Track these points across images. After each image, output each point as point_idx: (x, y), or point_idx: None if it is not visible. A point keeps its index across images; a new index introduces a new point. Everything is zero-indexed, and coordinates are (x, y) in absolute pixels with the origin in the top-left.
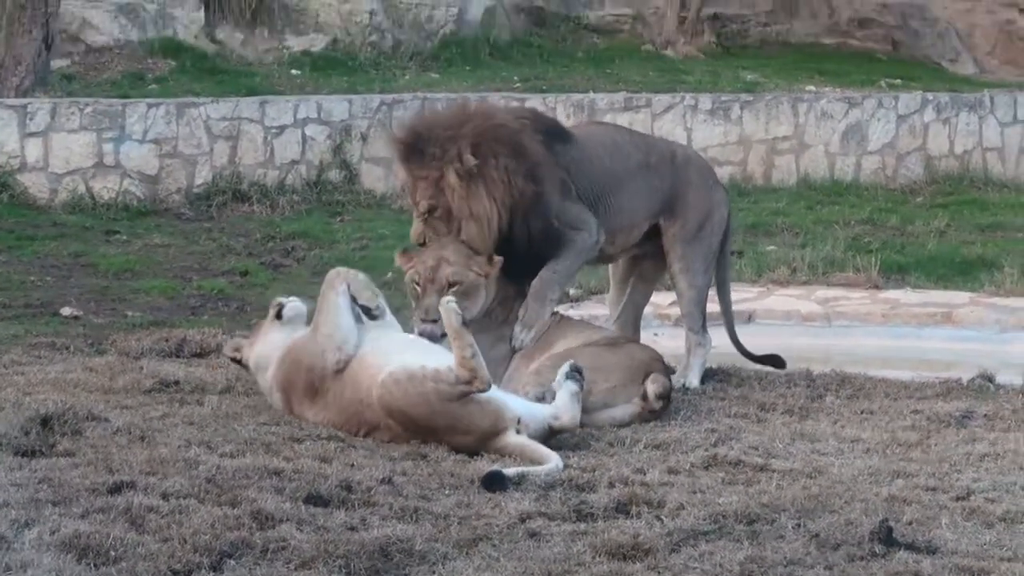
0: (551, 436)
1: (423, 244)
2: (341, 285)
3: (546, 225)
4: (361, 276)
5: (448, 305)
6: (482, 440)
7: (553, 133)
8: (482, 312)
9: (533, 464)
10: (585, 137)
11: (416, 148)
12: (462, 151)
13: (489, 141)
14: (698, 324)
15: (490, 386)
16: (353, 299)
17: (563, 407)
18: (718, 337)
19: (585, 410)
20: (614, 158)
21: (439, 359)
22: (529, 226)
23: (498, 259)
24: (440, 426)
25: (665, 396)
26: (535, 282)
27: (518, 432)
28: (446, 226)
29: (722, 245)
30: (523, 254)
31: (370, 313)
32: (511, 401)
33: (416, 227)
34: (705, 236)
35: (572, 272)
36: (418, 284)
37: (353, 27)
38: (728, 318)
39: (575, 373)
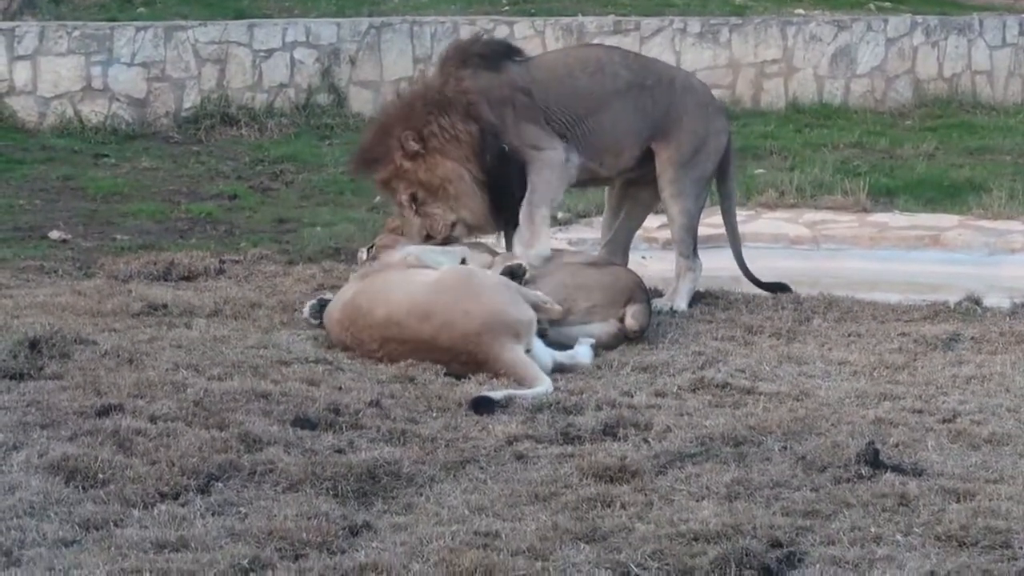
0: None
1: (431, 238)
2: None
3: (510, 152)
4: None
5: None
6: (501, 330)
7: (496, 56)
8: None
9: (523, 385)
10: (556, 57)
11: (364, 160)
12: (401, 139)
13: (415, 117)
14: (689, 249)
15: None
16: None
17: (582, 355)
18: (714, 260)
19: (563, 324)
20: (595, 77)
21: None
22: (497, 161)
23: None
24: (489, 289)
25: (642, 331)
26: (521, 209)
27: (527, 351)
28: (437, 208)
29: (724, 173)
30: (513, 191)
31: None
32: (539, 340)
33: (414, 224)
34: (699, 163)
35: (549, 189)
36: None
37: None
38: (735, 245)
39: (594, 348)
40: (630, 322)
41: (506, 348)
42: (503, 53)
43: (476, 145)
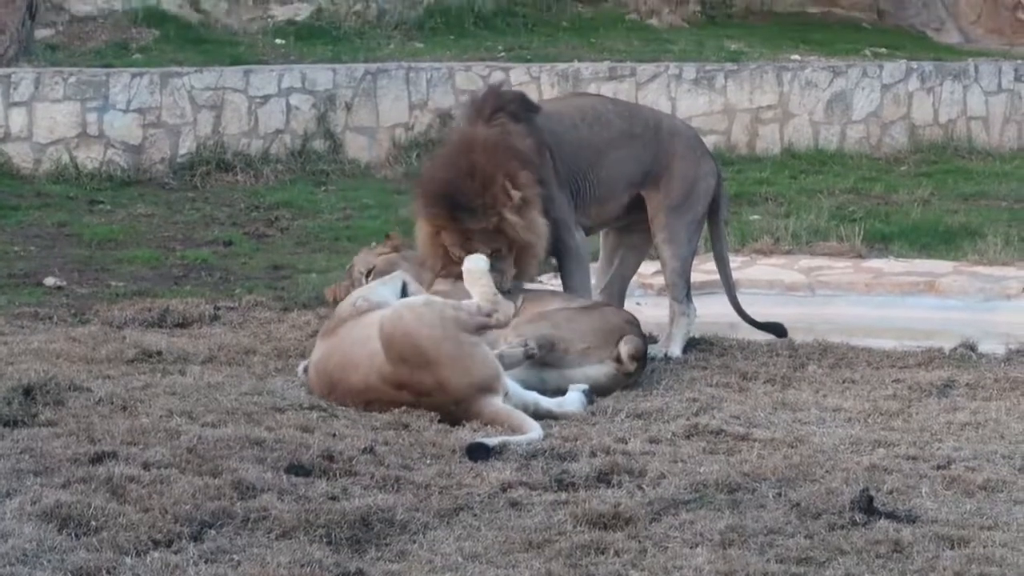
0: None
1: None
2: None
3: (552, 222)
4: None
5: (475, 256)
6: (473, 391)
7: (524, 110)
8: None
9: (513, 432)
10: (562, 107)
11: (461, 206)
12: (507, 189)
13: (520, 170)
14: (682, 294)
15: (508, 323)
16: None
17: (571, 404)
18: (709, 306)
19: (561, 367)
20: (593, 128)
21: None
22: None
23: (393, 234)
24: (443, 356)
25: (639, 357)
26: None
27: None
28: (508, 259)
29: (715, 215)
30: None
31: None
32: (508, 379)
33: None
34: (690, 207)
35: (584, 287)
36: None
37: None
38: (729, 287)
39: (591, 395)
40: (625, 350)
41: (484, 405)
42: (534, 109)
43: (547, 207)
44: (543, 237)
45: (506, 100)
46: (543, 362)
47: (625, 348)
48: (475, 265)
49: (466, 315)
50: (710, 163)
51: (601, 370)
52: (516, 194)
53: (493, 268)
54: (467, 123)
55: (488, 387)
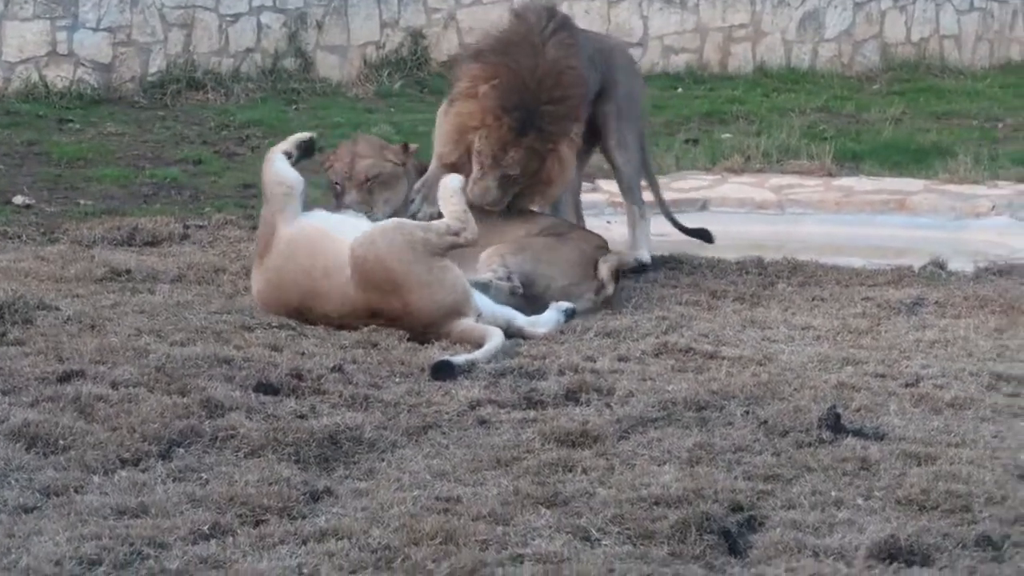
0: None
1: (487, 206)
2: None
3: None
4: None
5: (452, 176)
6: (442, 314)
7: (577, 39)
8: (405, 201)
9: (477, 345)
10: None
11: (532, 122)
12: (572, 125)
13: (583, 104)
14: (638, 196)
15: (476, 241)
16: (288, 156)
17: (545, 323)
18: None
19: (541, 307)
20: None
21: None
22: None
23: (413, 147)
24: (412, 281)
25: (618, 273)
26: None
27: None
28: (514, 187)
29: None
30: None
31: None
32: (479, 296)
33: (490, 190)
34: (635, 114)
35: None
36: (337, 183)
37: None
38: (657, 194)
39: (572, 311)
40: (605, 269)
41: (453, 327)
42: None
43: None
44: (567, 184)
45: (567, 21)
46: (525, 296)
47: (604, 267)
48: (450, 183)
49: (435, 236)
50: (642, 80)
51: (581, 306)
52: (578, 129)
53: (502, 186)
54: (537, 31)
55: (457, 311)
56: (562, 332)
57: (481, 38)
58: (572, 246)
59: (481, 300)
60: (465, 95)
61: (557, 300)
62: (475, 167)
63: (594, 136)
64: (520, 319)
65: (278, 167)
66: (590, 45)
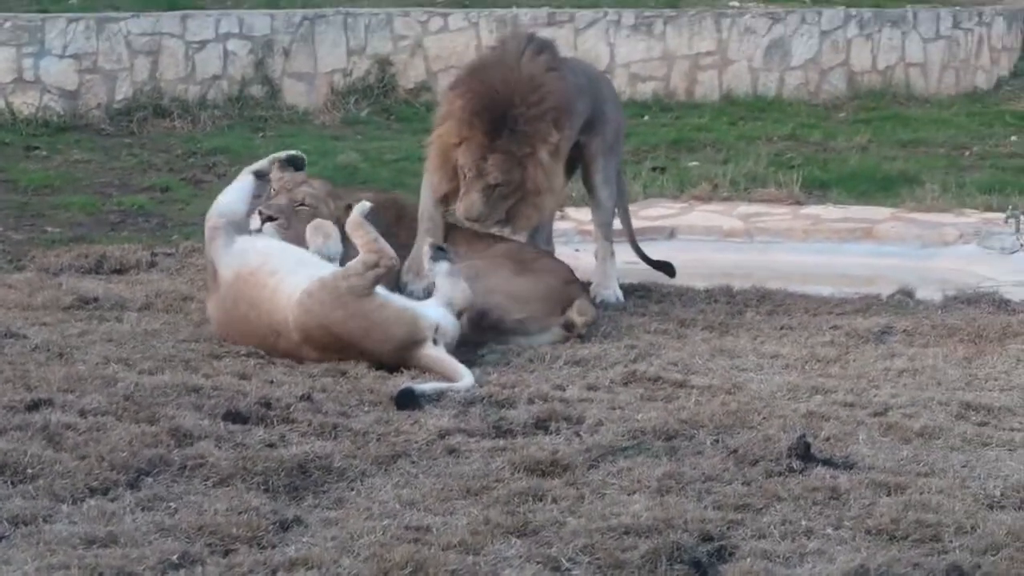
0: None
1: (477, 221)
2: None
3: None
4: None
5: (361, 204)
6: (401, 350)
7: (561, 63)
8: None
9: (449, 380)
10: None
11: (505, 124)
12: (550, 128)
13: (563, 114)
14: (611, 232)
15: (396, 262)
16: (260, 175)
17: (449, 290)
18: (649, 253)
19: (499, 336)
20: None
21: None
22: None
23: (362, 206)
24: (358, 334)
25: (591, 323)
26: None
27: (435, 342)
28: (505, 201)
29: None
30: None
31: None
32: (427, 309)
33: (477, 204)
34: (618, 148)
35: (611, 219)
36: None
37: None
38: (628, 225)
39: (438, 253)
40: (580, 321)
41: (416, 358)
42: None
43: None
44: (555, 193)
45: (552, 49)
46: (478, 326)
47: (580, 319)
48: (354, 214)
49: (357, 278)
50: (621, 108)
51: (544, 337)
52: (556, 136)
53: (487, 197)
54: (513, 52)
55: (412, 341)
56: (531, 360)
57: (461, 68)
58: (534, 278)
59: (432, 311)
60: (442, 118)
61: (514, 332)
62: (461, 183)
63: (573, 165)
64: (441, 301)
65: (226, 193)
66: (581, 73)
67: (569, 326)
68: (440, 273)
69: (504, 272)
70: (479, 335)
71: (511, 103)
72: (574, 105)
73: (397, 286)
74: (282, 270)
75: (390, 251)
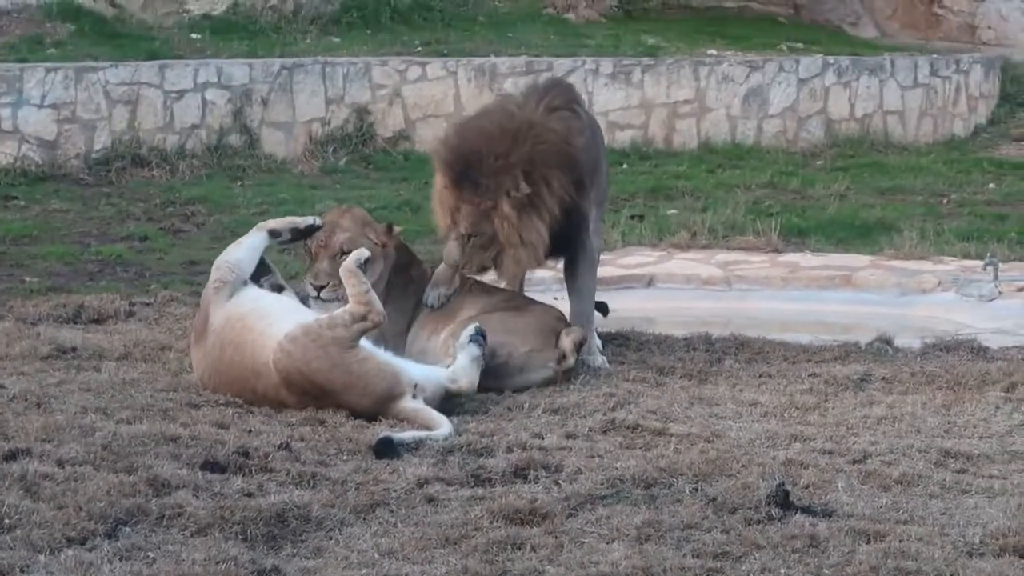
0: (448, 399)
1: (457, 268)
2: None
3: (579, 228)
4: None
5: (357, 251)
6: (380, 403)
7: (581, 111)
8: (378, 280)
9: (427, 429)
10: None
11: (468, 176)
12: (517, 180)
13: (540, 166)
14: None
15: (384, 318)
16: (275, 235)
17: (462, 371)
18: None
19: (503, 376)
20: (592, 127)
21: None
22: (566, 233)
23: (398, 228)
24: (338, 385)
25: (579, 346)
26: (576, 313)
27: (414, 397)
28: (484, 251)
29: None
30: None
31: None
32: (408, 366)
33: (453, 252)
34: (605, 199)
35: (595, 286)
36: (312, 251)
37: None
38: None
39: (479, 337)
40: (568, 342)
41: (396, 412)
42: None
43: (565, 199)
44: (532, 246)
45: (570, 95)
46: (487, 367)
47: (568, 340)
48: (350, 262)
49: (343, 329)
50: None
51: (542, 375)
52: (524, 189)
53: (465, 248)
54: (524, 104)
55: (390, 396)
56: (509, 409)
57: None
58: (530, 316)
59: (414, 369)
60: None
61: (521, 369)
62: None
63: None
64: (443, 378)
65: (241, 245)
66: (590, 123)
67: (561, 357)
68: (465, 351)
69: (503, 316)
70: (487, 375)
71: (478, 155)
72: (574, 159)
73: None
74: (272, 315)
75: (379, 306)
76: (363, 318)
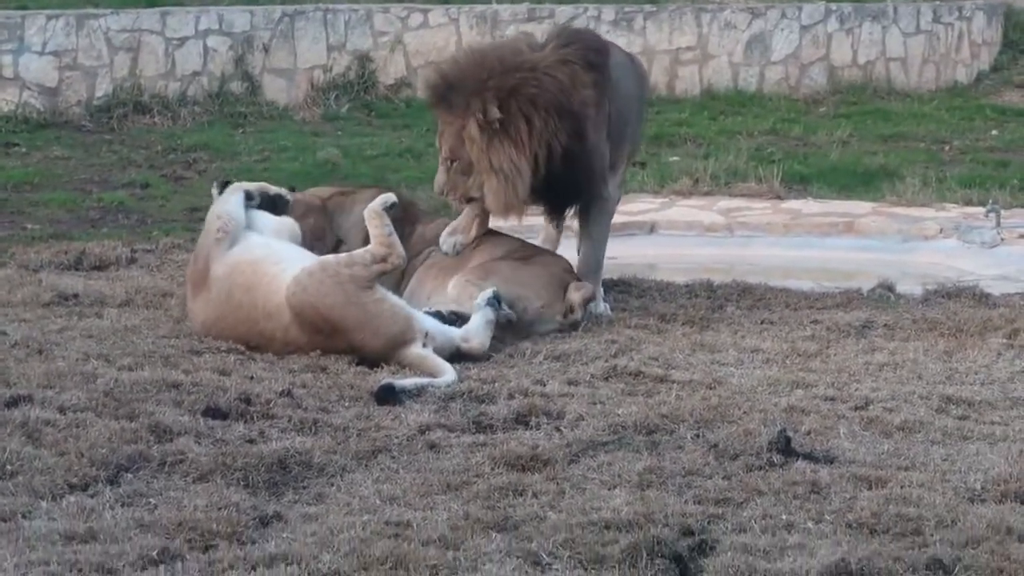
0: (457, 357)
1: (443, 195)
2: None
3: (587, 170)
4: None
5: (384, 195)
6: (389, 346)
7: (599, 64)
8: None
9: (430, 376)
10: (619, 57)
11: (444, 95)
12: (487, 103)
13: (522, 101)
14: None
15: (404, 262)
16: (248, 197)
17: (475, 331)
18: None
19: (516, 331)
20: (626, 80)
21: None
22: (569, 171)
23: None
24: (351, 322)
25: (589, 301)
26: (584, 262)
27: (424, 346)
28: (466, 179)
29: None
30: (563, 197)
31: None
32: (421, 316)
33: (439, 177)
34: (638, 151)
35: (604, 242)
36: None
37: None
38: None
39: (495, 301)
40: (577, 297)
41: (403, 356)
42: (606, 61)
43: (553, 144)
44: (505, 175)
45: (589, 47)
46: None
47: (577, 295)
48: (375, 204)
49: (361, 268)
50: None
51: (549, 327)
52: (494, 114)
53: (449, 174)
54: (538, 47)
55: (402, 339)
56: (511, 356)
57: None
58: (539, 268)
59: (426, 320)
60: None
61: (533, 323)
62: None
63: None
64: (456, 336)
65: (228, 200)
66: (620, 58)
67: (568, 311)
68: (480, 313)
69: (513, 265)
70: (503, 329)
71: (461, 77)
72: (569, 110)
73: (398, 288)
74: (286, 260)
75: (400, 250)
76: (383, 259)
